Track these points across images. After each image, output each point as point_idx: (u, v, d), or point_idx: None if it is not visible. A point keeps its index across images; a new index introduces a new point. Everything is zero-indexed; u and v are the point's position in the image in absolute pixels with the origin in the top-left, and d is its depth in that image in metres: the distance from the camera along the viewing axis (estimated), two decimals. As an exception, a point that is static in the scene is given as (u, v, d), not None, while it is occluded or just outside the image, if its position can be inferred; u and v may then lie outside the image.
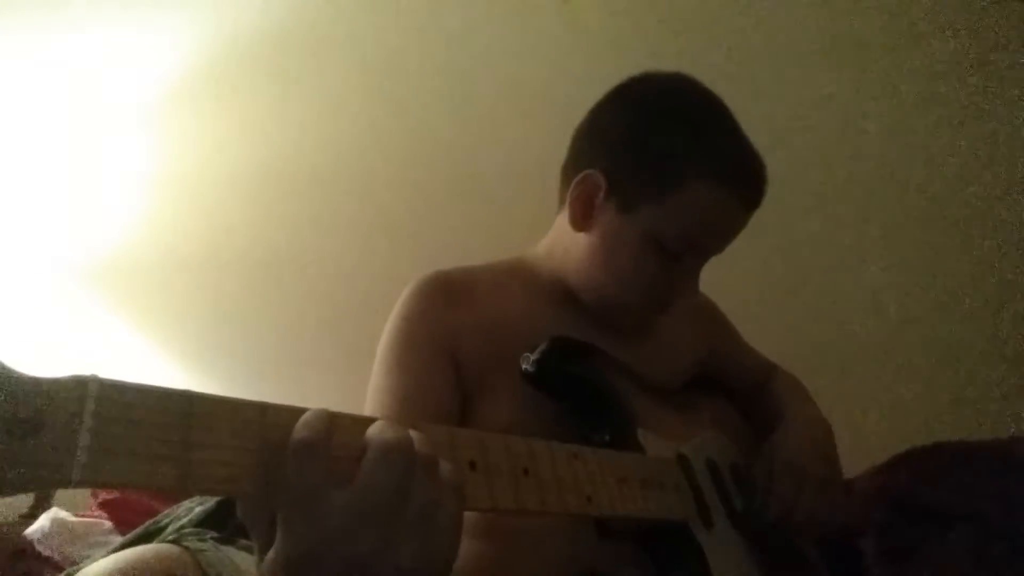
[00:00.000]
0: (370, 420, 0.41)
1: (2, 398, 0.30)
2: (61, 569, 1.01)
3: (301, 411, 0.39)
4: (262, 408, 0.38)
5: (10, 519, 1.38)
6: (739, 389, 1.01)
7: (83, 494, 1.37)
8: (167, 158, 1.80)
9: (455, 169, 1.74)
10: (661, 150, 0.81)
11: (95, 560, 0.52)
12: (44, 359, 1.69)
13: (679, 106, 0.84)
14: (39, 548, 1.13)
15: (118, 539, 1.02)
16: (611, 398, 0.77)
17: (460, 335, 0.81)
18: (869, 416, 1.49)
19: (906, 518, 1.11)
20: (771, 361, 1.08)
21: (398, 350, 0.81)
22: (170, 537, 0.60)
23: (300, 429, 0.37)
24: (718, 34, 1.68)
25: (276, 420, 0.38)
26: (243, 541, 0.59)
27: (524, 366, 0.75)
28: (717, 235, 0.83)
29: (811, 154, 1.66)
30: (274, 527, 0.37)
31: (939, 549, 1.06)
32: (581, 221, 0.84)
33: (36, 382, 0.31)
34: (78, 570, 0.51)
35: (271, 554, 0.37)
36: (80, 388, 0.32)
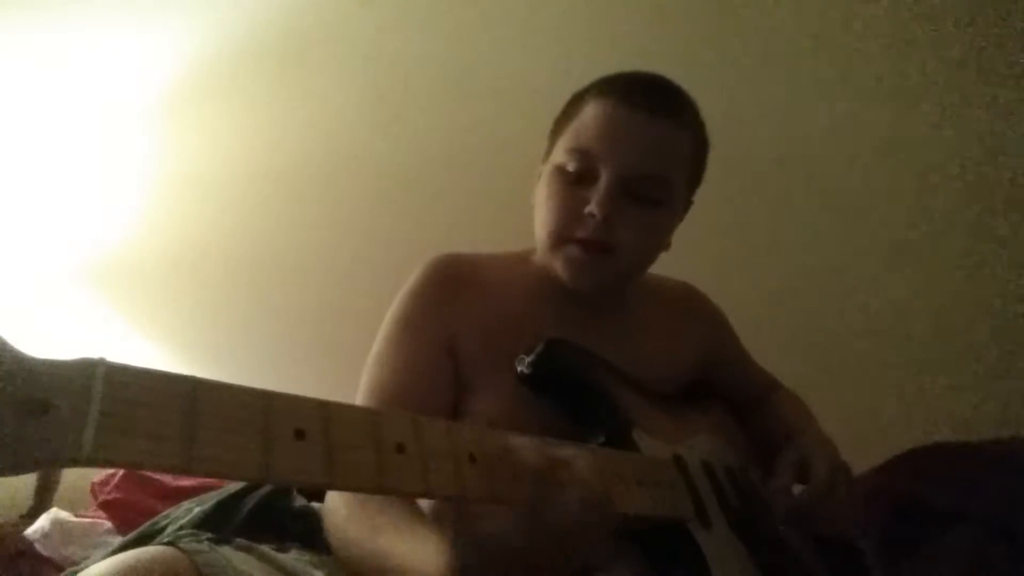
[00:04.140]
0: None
1: (13, 379, 0.31)
2: (61, 569, 1.01)
3: (303, 400, 0.41)
4: (265, 395, 0.39)
5: (10, 519, 1.38)
6: (736, 398, 1.01)
7: (83, 495, 1.37)
8: (167, 158, 1.80)
9: (455, 168, 1.74)
10: (571, 100, 0.86)
11: (94, 562, 0.52)
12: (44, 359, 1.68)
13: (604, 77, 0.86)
14: (39, 548, 1.13)
15: (118, 540, 1.02)
16: (606, 400, 0.77)
17: (457, 329, 0.82)
18: (869, 416, 1.48)
19: (906, 518, 1.11)
20: (775, 378, 1.06)
21: (399, 335, 0.82)
22: (166, 539, 0.59)
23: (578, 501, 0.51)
24: (720, 34, 1.68)
25: (279, 406, 0.39)
26: (240, 541, 0.59)
27: (519, 368, 0.75)
28: (605, 138, 0.78)
29: (811, 154, 1.66)
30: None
31: (939, 549, 1.06)
32: (534, 197, 0.88)
33: (46, 364, 0.32)
34: (78, 571, 0.51)
35: (488, 538, 0.50)
36: (88, 369, 0.33)
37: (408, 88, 1.78)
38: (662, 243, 0.86)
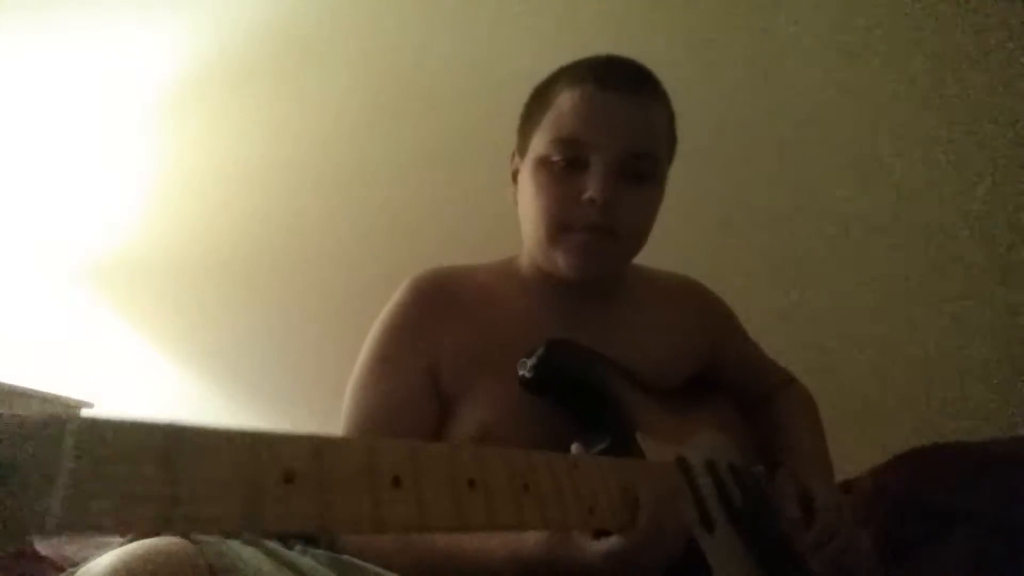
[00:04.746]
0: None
1: None
2: (61, 569, 1.00)
3: (292, 438, 0.38)
4: (251, 436, 0.36)
5: (10, 519, 1.37)
6: (743, 392, 0.99)
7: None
8: (167, 158, 1.80)
9: (454, 168, 1.74)
10: (537, 92, 0.86)
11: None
12: (45, 360, 1.69)
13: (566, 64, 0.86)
14: (39, 548, 1.13)
15: (118, 539, 1.02)
16: (609, 401, 0.76)
17: (439, 348, 0.82)
18: (869, 416, 1.48)
19: (906, 518, 1.11)
20: (786, 372, 1.05)
21: (379, 359, 0.82)
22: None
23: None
24: (721, 33, 1.68)
25: (266, 447, 0.36)
26: (246, 535, 0.59)
27: (521, 372, 0.74)
28: (590, 124, 0.78)
29: (811, 153, 1.66)
30: None
31: (939, 549, 1.06)
32: (513, 196, 0.87)
33: (7, 422, 0.29)
34: (78, 571, 0.51)
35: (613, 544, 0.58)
36: (57, 428, 0.30)
37: (409, 88, 1.78)
38: (654, 220, 0.85)
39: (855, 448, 1.15)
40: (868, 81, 1.65)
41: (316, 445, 0.38)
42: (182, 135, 1.81)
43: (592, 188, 0.76)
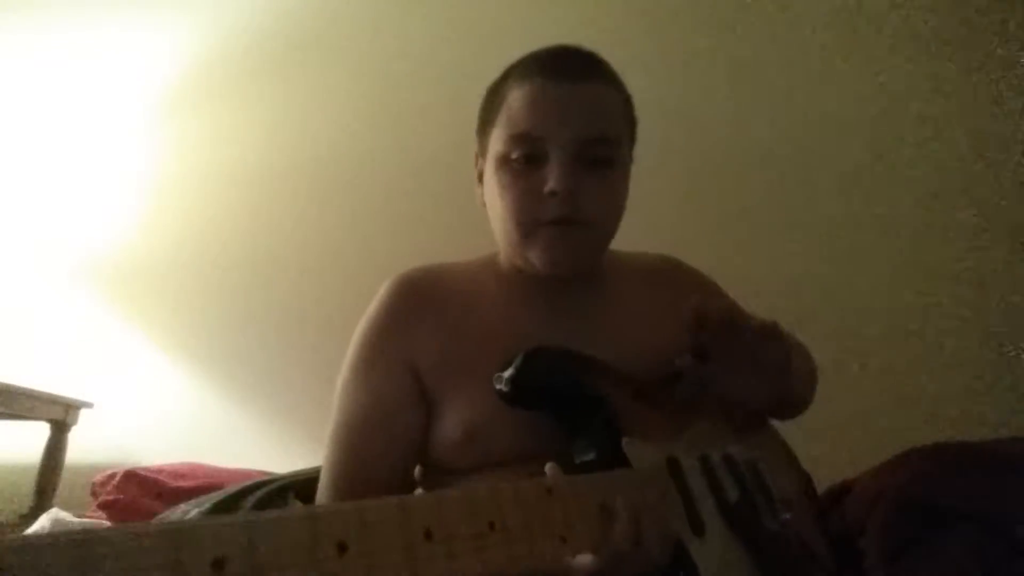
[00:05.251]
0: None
1: None
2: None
3: (224, 523, 0.37)
4: (175, 531, 0.35)
5: (10, 519, 1.38)
6: None
7: (83, 495, 1.37)
8: (167, 158, 1.80)
9: (453, 168, 1.73)
10: (490, 91, 0.87)
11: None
12: (45, 360, 1.69)
13: (516, 61, 0.85)
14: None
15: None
16: (592, 408, 0.73)
17: (420, 348, 0.81)
18: (869, 416, 1.48)
19: (906, 518, 1.10)
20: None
21: (363, 361, 0.82)
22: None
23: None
24: (722, 34, 1.67)
25: (192, 537, 0.35)
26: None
27: (498, 386, 0.72)
28: (542, 117, 0.78)
29: (815, 153, 1.65)
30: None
31: (939, 549, 1.05)
32: (480, 198, 0.87)
33: None
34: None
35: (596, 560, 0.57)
36: None
37: (408, 88, 1.78)
38: (624, 204, 0.84)
39: (855, 448, 1.14)
40: (872, 83, 1.64)
41: (250, 526, 0.37)
42: (181, 135, 1.81)
43: (552, 180, 0.76)
